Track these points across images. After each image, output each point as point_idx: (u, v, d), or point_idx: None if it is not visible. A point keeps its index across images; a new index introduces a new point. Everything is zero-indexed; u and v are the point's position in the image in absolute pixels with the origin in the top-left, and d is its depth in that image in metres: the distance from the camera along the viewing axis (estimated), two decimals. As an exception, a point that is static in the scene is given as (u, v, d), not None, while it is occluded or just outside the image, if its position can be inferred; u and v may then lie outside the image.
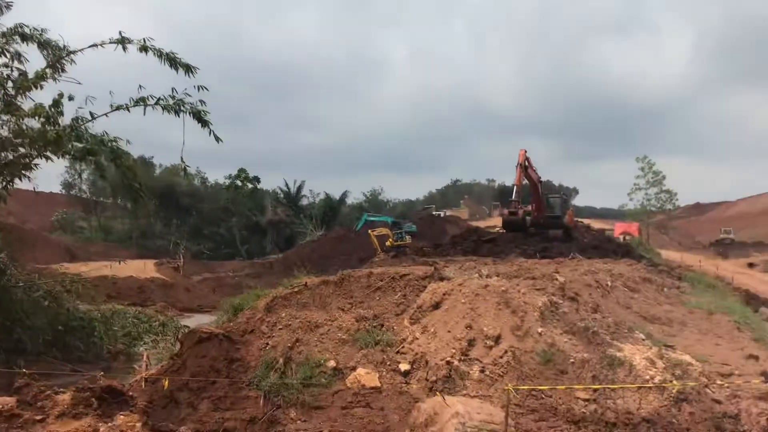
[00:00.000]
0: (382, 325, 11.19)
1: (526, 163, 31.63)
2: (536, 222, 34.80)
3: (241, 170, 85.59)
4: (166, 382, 9.20)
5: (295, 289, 12.61)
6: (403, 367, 9.81)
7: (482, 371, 9.21)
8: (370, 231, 52.28)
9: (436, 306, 11.23)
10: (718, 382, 9.30)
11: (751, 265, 50.19)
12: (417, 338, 10.52)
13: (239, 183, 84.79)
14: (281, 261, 62.30)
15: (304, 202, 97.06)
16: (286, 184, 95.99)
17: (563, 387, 8.57)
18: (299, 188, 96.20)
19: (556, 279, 13.73)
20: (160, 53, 12.90)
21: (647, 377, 8.80)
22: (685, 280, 25.02)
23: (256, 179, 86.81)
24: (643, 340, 10.76)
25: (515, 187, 32.03)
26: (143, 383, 9.49)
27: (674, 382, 8.61)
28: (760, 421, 7.13)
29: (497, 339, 9.79)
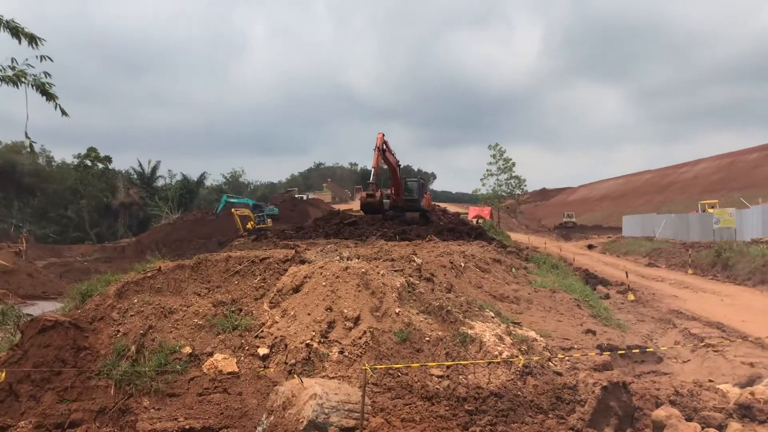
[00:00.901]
0: (241, 310, 11.01)
1: (384, 147, 32.26)
2: (395, 205, 35.67)
3: (91, 149, 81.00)
4: (3, 374, 8.57)
5: (149, 274, 12.11)
6: (262, 351, 9.72)
7: (341, 352, 9.31)
8: (233, 210, 51.27)
9: (297, 289, 11.20)
10: (560, 355, 9.98)
11: (590, 247, 54.09)
12: (276, 322, 10.45)
13: (89, 162, 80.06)
14: (134, 245, 59.84)
15: (160, 183, 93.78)
16: (140, 165, 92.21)
17: (418, 365, 8.85)
18: (154, 169, 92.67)
19: (414, 260, 14.13)
20: (-1, 20, 11.68)
21: (496, 353, 9.27)
22: (532, 261, 26.64)
23: (108, 159, 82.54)
24: (493, 317, 11.32)
25: (373, 170, 32.44)
26: (-23, 377, 8.77)
27: (520, 356, 9.13)
28: (595, 390, 7.72)
29: (356, 320, 9.93)
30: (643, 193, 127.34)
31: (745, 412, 7.60)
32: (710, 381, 9.66)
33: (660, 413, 7.41)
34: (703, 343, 12.74)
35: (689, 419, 7.45)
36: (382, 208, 34.01)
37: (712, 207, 55.96)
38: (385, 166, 33.19)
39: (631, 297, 20.24)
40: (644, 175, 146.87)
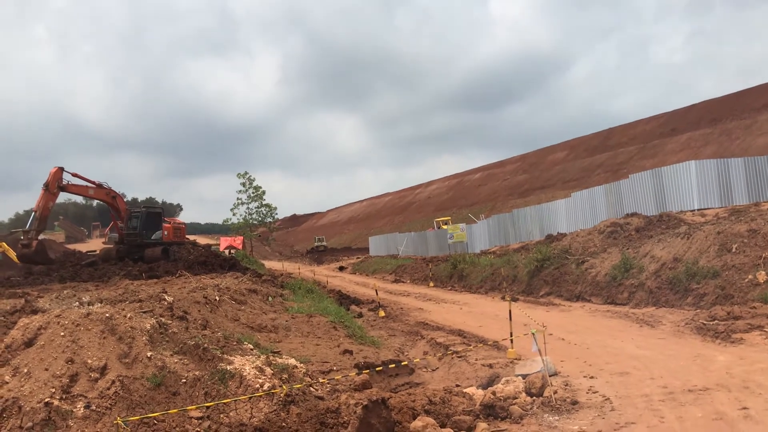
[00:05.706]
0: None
1: (62, 184, 29.64)
2: (122, 240, 33.87)
3: None
4: None
5: None
6: (-9, 418, 8.51)
7: (87, 407, 8.48)
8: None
9: (30, 343, 10.00)
10: (320, 380, 10.10)
11: (341, 269, 56.09)
12: (7, 382, 9.22)
13: None
14: None
15: None
16: None
17: (175, 411, 8.37)
18: None
19: (164, 299, 13.44)
20: None
21: (257, 386, 9.11)
22: (287, 288, 26.87)
23: None
24: (252, 349, 11.13)
25: (34, 214, 29.22)
26: None
27: (282, 386, 9.07)
28: (357, 411, 7.89)
29: (103, 370, 9.12)
30: (385, 214, 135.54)
31: (490, 411, 8.32)
32: (457, 386, 10.43)
33: (417, 424, 7.79)
34: (449, 351, 13.72)
35: (443, 425, 7.94)
36: (46, 258, 30.65)
37: (446, 224, 61.40)
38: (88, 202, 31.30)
39: (381, 313, 21.24)
40: (385, 197, 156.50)
